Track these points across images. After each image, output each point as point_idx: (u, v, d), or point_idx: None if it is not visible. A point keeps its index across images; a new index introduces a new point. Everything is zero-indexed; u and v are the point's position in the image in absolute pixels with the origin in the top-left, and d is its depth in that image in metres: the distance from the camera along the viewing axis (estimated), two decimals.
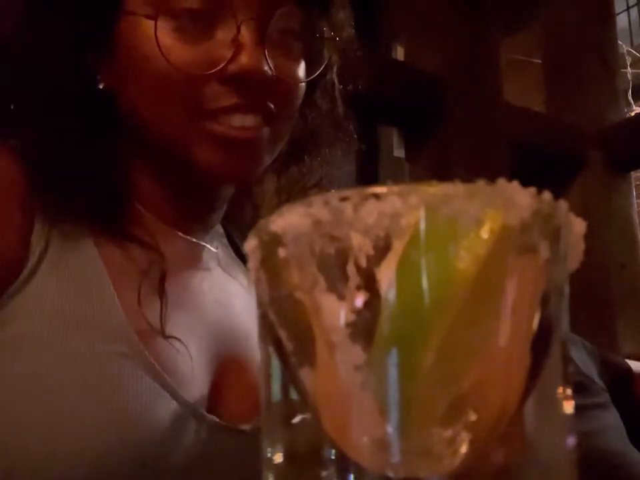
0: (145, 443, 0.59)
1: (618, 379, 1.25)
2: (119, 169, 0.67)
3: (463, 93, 2.49)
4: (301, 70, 0.67)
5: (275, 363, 0.30)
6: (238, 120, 0.63)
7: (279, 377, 0.30)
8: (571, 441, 0.29)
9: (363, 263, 0.26)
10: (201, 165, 0.64)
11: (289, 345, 0.29)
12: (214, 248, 0.74)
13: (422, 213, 0.26)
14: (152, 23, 0.61)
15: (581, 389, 1.12)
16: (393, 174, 3.33)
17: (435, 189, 0.27)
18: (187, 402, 0.63)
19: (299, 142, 0.74)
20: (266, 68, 0.62)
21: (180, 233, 0.70)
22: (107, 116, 0.66)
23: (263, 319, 0.30)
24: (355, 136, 0.81)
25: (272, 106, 0.64)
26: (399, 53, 3.18)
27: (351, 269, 0.26)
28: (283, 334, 0.29)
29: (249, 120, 0.63)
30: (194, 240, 0.71)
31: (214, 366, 0.68)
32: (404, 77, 2.50)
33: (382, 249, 0.26)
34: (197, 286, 0.71)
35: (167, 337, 0.64)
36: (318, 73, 0.68)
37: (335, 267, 0.27)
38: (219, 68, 0.61)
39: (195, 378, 0.65)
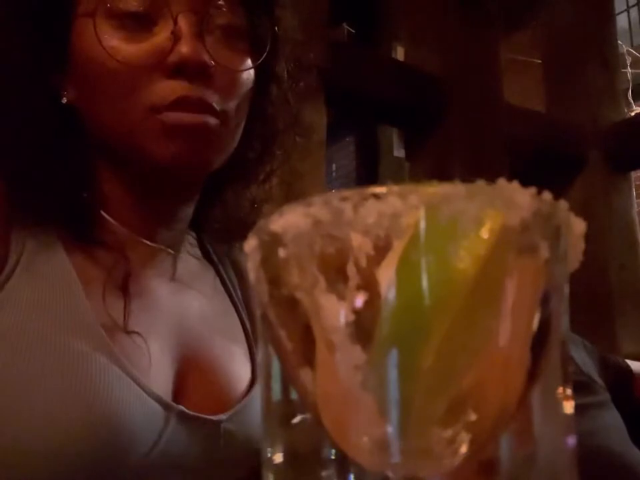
0: (116, 430, 0.61)
1: (618, 378, 1.24)
2: (85, 179, 0.70)
3: (463, 93, 2.49)
4: (244, 63, 0.70)
5: (275, 363, 0.30)
6: (185, 111, 0.65)
7: (279, 376, 0.30)
8: (572, 440, 0.29)
9: (363, 262, 0.26)
10: (157, 159, 0.66)
11: (288, 345, 0.29)
12: (176, 252, 0.76)
13: (422, 213, 0.26)
14: (96, 23, 0.65)
15: (581, 388, 1.12)
16: (393, 174, 3.33)
17: (435, 189, 0.27)
18: (154, 392, 0.65)
19: (258, 139, 0.77)
20: (205, 57, 0.65)
21: (142, 239, 0.72)
22: (73, 128, 0.69)
23: (263, 319, 0.30)
24: (315, 129, 0.84)
25: (215, 97, 0.67)
26: (399, 53, 3.18)
27: (350, 268, 0.26)
28: (282, 334, 0.29)
29: (195, 110, 0.66)
30: (155, 245, 0.74)
31: (173, 363, 0.70)
32: (404, 77, 2.50)
33: (382, 249, 0.26)
34: (157, 289, 0.73)
35: (128, 332, 0.67)
36: (258, 63, 0.71)
37: (335, 267, 0.27)
38: (161, 59, 0.65)
39: (156, 372, 0.68)
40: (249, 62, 0.70)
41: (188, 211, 0.75)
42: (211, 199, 0.78)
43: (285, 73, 0.77)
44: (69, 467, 0.60)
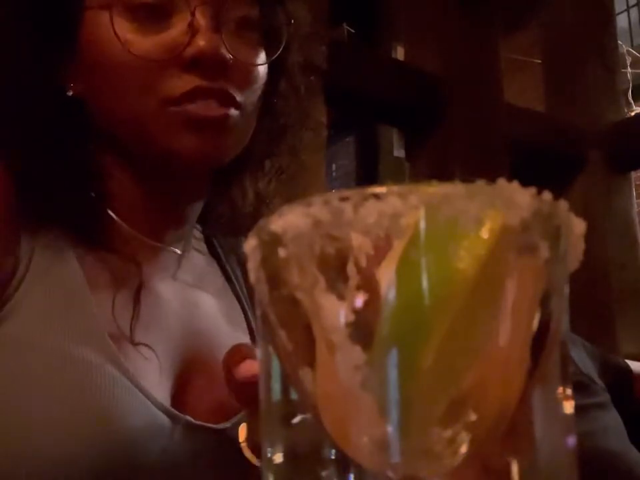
0: (122, 441, 0.61)
1: (618, 379, 1.25)
2: (94, 179, 0.69)
3: (463, 92, 2.49)
4: (259, 56, 0.69)
5: (275, 363, 0.30)
6: (201, 103, 0.64)
7: (279, 376, 0.30)
8: (572, 440, 0.29)
9: (363, 262, 0.26)
10: (175, 152, 0.65)
11: (288, 345, 0.29)
12: (184, 252, 0.75)
13: (422, 213, 0.26)
14: (109, 16, 0.64)
15: (580, 388, 1.12)
16: (392, 174, 3.34)
17: (435, 189, 0.27)
18: (160, 403, 0.65)
19: (267, 134, 0.76)
20: (223, 51, 0.64)
21: (151, 240, 0.71)
22: (79, 125, 0.68)
23: (263, 319, 0.30)
24: (323, 125, 0.82)
25: (233, 90, 0.66)
26: (399, 53, 3.18)
27: (351, 268, 0.26)
28: (282, 334, 0.29)
29: (212, 102, 0.65)
30: (163, 246, 0.72)
31: (179, 370, 0.70)
32: (404, 77, 2.50)
33: (382, 249, 0.26)
34: (164, 291, 0.72)
35: (135, 344, 0.66)
36: (274, 57, 0.70)
37: (335, 267, 0.27)
38: (177, 53, 0.63)
39: (163, 382, 0.67)
40: (263, 55, 0.69)
41: (196, 209, 0.74)
42: (218, 193, 0.77)
43: (295, 67, 0.76)
44: (74, 477, 0.59)
